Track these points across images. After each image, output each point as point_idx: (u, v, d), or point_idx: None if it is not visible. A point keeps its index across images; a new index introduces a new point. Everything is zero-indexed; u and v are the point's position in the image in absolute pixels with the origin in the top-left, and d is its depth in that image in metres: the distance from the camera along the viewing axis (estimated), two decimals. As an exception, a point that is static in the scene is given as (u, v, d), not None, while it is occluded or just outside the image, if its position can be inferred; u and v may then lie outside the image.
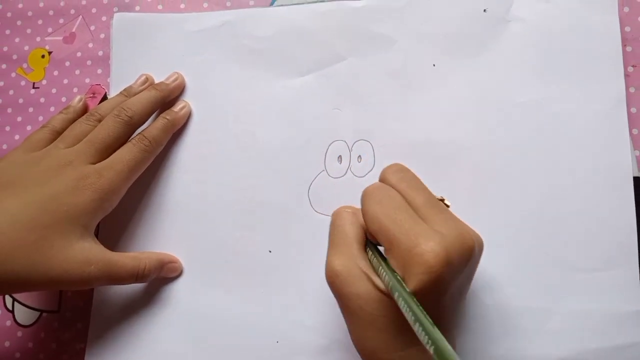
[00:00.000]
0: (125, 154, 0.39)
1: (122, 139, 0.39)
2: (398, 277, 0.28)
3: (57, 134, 0.40)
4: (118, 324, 0.41)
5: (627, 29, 0.40)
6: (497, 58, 0.40)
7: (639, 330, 0.36)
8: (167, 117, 0.41)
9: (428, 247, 0.27)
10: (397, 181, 0.31)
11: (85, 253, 0.36)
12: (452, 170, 0.39)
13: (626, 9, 0.40)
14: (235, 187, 0.42)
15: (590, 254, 0.37)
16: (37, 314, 0.43)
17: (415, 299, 0.26)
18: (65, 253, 0.35)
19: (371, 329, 0.29)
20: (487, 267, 0.38)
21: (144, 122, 0.41)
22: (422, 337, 0.24)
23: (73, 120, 0.41)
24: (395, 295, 0.27)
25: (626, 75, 0.39)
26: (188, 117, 0.43)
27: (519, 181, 0.38)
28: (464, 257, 0.28)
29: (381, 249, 0.30)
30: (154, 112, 0.42)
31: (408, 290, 0.27)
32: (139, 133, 0.40)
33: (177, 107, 0.43)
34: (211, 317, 0.40)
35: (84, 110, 0.43)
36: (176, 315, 0.41)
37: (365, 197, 0.31)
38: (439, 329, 0.25)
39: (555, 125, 0.39)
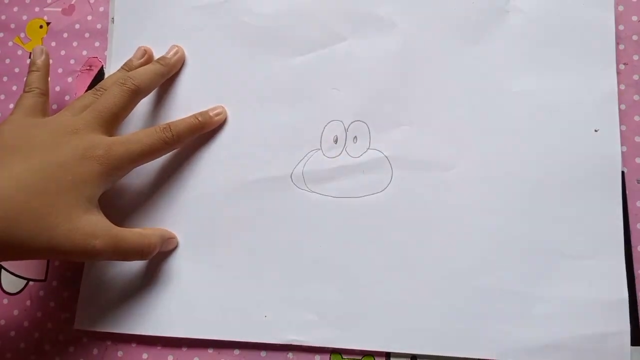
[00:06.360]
0: (143, 137, 0.38)
1: (128, 109, 0.39)
2: None
3: (45, 95, 0.40)
4: (108, 292, 0.41)
5: (621, 27, 0.41)
6: (495, 47, 0.41)
7: (623, 318, 0.36)
8: (199, 118, 0.41)
9: None
10: None
11: (92, 225, 0.35)
12: (445, 155, 0.40)
13: (620, 8, 0.41)
14: (230, 165, 0.42)
15: (577, 242, 0.37)
16: (23, 282, 0.43)
17: None
18: (71, 223, 0.34)
19: None
20: (475, 250, 0.38)
21: (149, 93, 0.41)
22: None
23: (47, 76, 0.41)
24: None
25: (617, 73, 0.40)
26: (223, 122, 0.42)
27: (509, 168, 0.39)
28: None
29: None
30: (158, 85, 0.42)
31: None
32: (167, 123, 0.40)
33: (213, 112, 0.42)
34: (201, 291, 0.40)
35: (48, 61, 0.42)
36: (167, 289, 0.40)
37: None
38: None
39: (547, 116, 0.39)
